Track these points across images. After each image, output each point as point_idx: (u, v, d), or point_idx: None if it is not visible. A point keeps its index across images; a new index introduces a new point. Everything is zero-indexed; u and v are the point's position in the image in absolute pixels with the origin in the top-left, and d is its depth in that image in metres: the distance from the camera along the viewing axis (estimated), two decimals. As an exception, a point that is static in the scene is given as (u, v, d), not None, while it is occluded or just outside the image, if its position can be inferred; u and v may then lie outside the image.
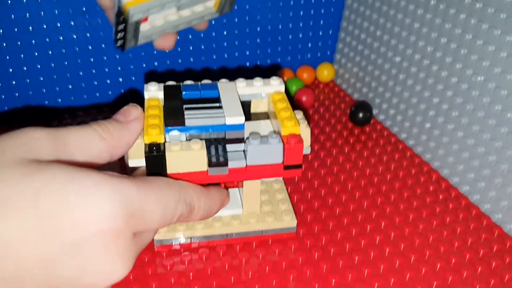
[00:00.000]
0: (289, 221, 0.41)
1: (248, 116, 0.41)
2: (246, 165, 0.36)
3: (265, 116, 0.42)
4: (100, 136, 0.32)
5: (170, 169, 0.35)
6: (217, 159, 0.35)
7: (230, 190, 0.43)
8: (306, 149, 0.39)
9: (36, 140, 0.28)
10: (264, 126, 0.40)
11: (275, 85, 0.41)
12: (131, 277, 0.38)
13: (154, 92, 0.39)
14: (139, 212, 0.29)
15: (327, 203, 0.46)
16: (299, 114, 0.41)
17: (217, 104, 0.39)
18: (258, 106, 0.42)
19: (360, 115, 0.57)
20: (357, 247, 0.41)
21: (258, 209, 0.41)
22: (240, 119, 0.36)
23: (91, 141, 0.32)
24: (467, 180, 0.47)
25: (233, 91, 0.40)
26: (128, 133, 0.35)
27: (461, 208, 0.46)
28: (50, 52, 0.58)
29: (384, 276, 0.38)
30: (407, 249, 0.41)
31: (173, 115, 0.36)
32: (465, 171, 0.48)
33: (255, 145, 0.36)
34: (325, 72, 0.67)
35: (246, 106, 0.41)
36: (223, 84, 0.40)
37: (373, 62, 0.60)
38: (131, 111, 0.36)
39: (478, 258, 0.40)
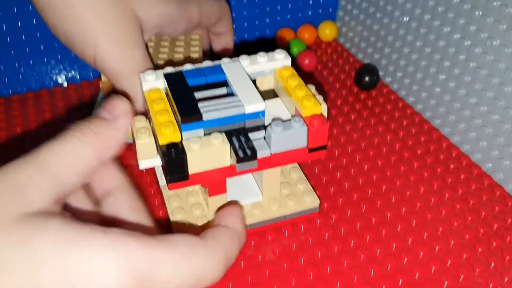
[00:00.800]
0: (311, 202, 0.40)
1: None
2: (271, 153, 0.34)
3: (272, 94, 0.40)
4: (82, 143, 0.29)
5: (191, 170, 0.33)
6: (244, 153, 0.33)
7: (244, 176, 0.41)
8: None
9: (24, 189, 0.25)
10: (276, 106, 0.38)
11: (281, 59, 0.39)
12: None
13: (152, 82, 0.36)
14: (150, 282, 0.25)
15: (335, 178, 0.45)
16: (312, 88, 0.38)
17: (228, 90, 0.36)
18: (263, 83, 0.40)
19: (366, 79, 0.55)
20: (384, 219, 0.41)
21: (278, 193, 0.40)
22: (260, 106, 0.34)
23: (72, 152, 0.28)
24: (479, 148, 0.46)
25: (241, 72, 0.37)
26: (116, 132, 0.31)
27: (473, 178, 0.45)
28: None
29: (413, 250, 0.38)
30: (434, 220, 0.40)
31: (186, 109, 0.33)
32: (477, 139, 0.46)
33: (279, 132, 0.34)
34: (327, 31, 0.64)
35: None
36: (227, 65, 0.37)
37: (379, 21, 0.57)
38: (117, 105, 0.32)
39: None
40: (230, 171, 0.35)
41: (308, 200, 0.40)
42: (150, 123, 0.35)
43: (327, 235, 0.39)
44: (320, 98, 0.38)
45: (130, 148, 0.47)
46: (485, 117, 0.45)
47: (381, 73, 0.58)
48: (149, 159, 0.35)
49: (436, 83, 0.50)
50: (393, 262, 0.37)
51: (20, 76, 0.55)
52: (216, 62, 0.38)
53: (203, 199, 0.39)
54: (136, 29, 0.40)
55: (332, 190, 0.43)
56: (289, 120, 0.35)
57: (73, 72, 0.57)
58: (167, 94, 0.36)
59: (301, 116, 0.35)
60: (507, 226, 0.40)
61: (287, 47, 0.60)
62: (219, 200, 0.38)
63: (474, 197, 0.42)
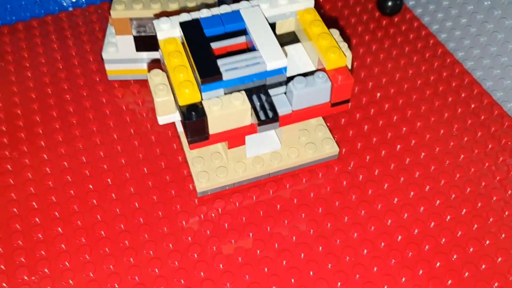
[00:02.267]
0: (330, 150, 0.39)
1: None
2: (292, 110, 0.34)
3: (293, 36, 0.38)
4: None
5: (212, 130, 0.33)
6: (266, 115, 0.32)
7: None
8: None
9: None
10: (298, 53, 0.36)
11: (303, 1, 0.36)
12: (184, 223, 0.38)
13: (168, 31, 0.34)
14: None
15: (355, 118, 0.44)
16: (336, 34, 0.37)
17: (247, 38, 0.34)
18: (283, 26, 0.38)
19: (389, 3, 0.52)
20: (403, 165, 0.41)
21: (297, 141, 0.39)
22: (282, 62, 0.33)
23: None
24: (502, 87, 0.45)
25: (261, 19, 0.35)
26: None
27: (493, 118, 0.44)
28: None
29: (430, 198, 0.38)
30: (452, 165, 0.40)
31: (206, 69, 0.32)
32: (502, 77, 0.45)
33: (301, 89, 0.33)
34: None
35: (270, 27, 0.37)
36: (246, 11, 0.35)
37: None
38: None
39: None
40: (250, 129, 0.34)
41: (327, 148, 0.39)
42: (167, 77, 0.34)
43: (345, 183, 0.40)
44: (344, 46, 0.36)
45: (144, 85, 0.46)
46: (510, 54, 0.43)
47: (404, -5, 0.54)
48: (168, 115, 0.35)
49: (462, 13, 0.47)
50: (410, 212, 0.38)
51: (23, 2, 0.52)
52: (234, 6, 0.36)
53: (222, 149, 0.39)
54: None
55: (351, 133, 0.43)
56: (312, 75, 0.34)
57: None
58: (183, 44, 0.34)
59: (325, 70, 0.34)
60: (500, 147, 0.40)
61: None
62: (238, 151, 0.38)
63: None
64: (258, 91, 0.33)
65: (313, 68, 0.36)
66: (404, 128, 0.43)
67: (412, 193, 0.39)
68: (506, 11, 0.43)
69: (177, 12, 0.41)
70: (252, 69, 0.32)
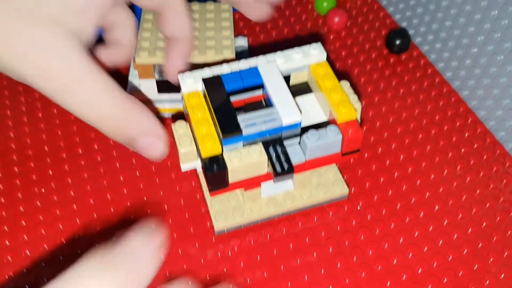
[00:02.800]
0: (340, 191, 0.42)
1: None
2: (306, 160, 0.36)
3: (306, 86, 0.40)
4: None
5: (231, 179, 0.36)
6: (282, 168, 0.35)
7: None
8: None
9: None
10: (310, 103, 0.39)
11: (316, 55, 0.39)
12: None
13: (192, 85, 0.37)
14: None
15: (364, 157, 0.46)
16: (346, 86, 0.39)
17: (264, 92, 0.37)
18: (297, 77, 0.40)
19: (397, 41, 0.54)
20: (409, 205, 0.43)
21: (309, 183, 0.42)
22: (297, 118, 0.35)
23: None
24: (504, 127, 0.47)
25: (277, 74, 0.38)
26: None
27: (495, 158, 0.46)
28: None
29: (434, 238, 0.41)
30: (455, 206, 0.43)
31: (227, 124, 0.35)
32: (504, 119, 0.47)
33: (314, 142, 0.35)
34: (358, -21, 0.61)
35: (285, 80, 0.39)
36: (263, 67, 0.38)
37: (414, -23, 0.55)
38: None
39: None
40: (267, 177, 0.37)
41: (337, 189, 0.42)
42: (191, 128, 0.37)
43: (354, 222, 0.42)
44: (354, 98, 0.38)
45: (166, 123, 0.49)
46: (515, 101, 0.45)
47: (411, 32, 0.57)
48: (190, 162, 0.37)
49: (467, 54, 0.50)
50: (415, 252, 0.40)
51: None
52: (252, 62, 0.38)
53: (239, 190, 0.41)
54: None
55: (359, 172, 0.45)
56: (324, 127, 0.36)
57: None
58: (205, 97, 0.37)
59: (336, 123, 0.37)
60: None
61: (316, 1, 0.58)
62: (253, 192, 0.40)
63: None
64: (274, 143, 0.36)
65: (325, 119, 0.38)
66: (410, 168, 0.46)
67: (416, 233, 0.41)
68: (508, 57, 0.45)
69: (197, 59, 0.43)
70: (269, 124, 0.35)
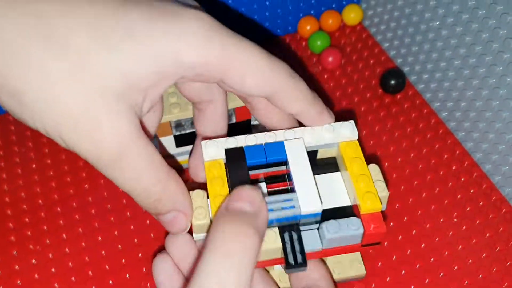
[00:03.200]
0: (357, 272, 0.41)
1: (314, 162, 0.37)
2: (322, 249, 0.35)
3: (333, 163, 0.38)
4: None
5: None
6: (294, 259, 0.33)
7: None
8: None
9: None
10: (335, 184, 0.37)
11: (348, 135, 0.37)
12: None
13: (213, 154, 0.36)
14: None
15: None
16: (375, 171, 0.37)
17: (287, 167, 0.36)
18: (325, 153, 0.38)
19: (392, 82, 0.54)
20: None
21: (326, 258, 0.41)
22: (317, 207, 0.33)
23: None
24: (501, 172, 0.47)
25: (302, 154, 0.36)
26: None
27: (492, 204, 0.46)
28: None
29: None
30: (465, 251, 0.43)
31: None
32: (499, 165, 0.47)
33: (333, 234, 0.34)
34: (352, 15, 0.61)
35: (312, 153, 0.38)
36: (289, 143, 0.36)
37: (407, 17, 0.55)
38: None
39: None
40: (280, 261, 0.35)
41: (353, 270, 0.41)
42: (207, 197, 0.35)
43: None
44: (382, 185, 0.36)
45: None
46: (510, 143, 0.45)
47: (406, 69, 0.57)
48: (203, 233, 0.36)
49: (462, 97, 0.50)
50: (411, 308, 0.40)
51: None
52: (279, 135, 0.37)
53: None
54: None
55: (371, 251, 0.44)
56: (345, 220, 0.35)
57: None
58: (226, 167, 0.36)
59: (359, 213, 0.35)
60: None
61: (310, 40, 0.58)
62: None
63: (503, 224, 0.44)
64: (291, 229, 0.34)
65: (349, 203, 0.36)
66: (414, 231, 0.45)
67: (414, 288, 0.41)
68: (503, 104, 0.45)
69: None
70: (287, 212, 0.34)
